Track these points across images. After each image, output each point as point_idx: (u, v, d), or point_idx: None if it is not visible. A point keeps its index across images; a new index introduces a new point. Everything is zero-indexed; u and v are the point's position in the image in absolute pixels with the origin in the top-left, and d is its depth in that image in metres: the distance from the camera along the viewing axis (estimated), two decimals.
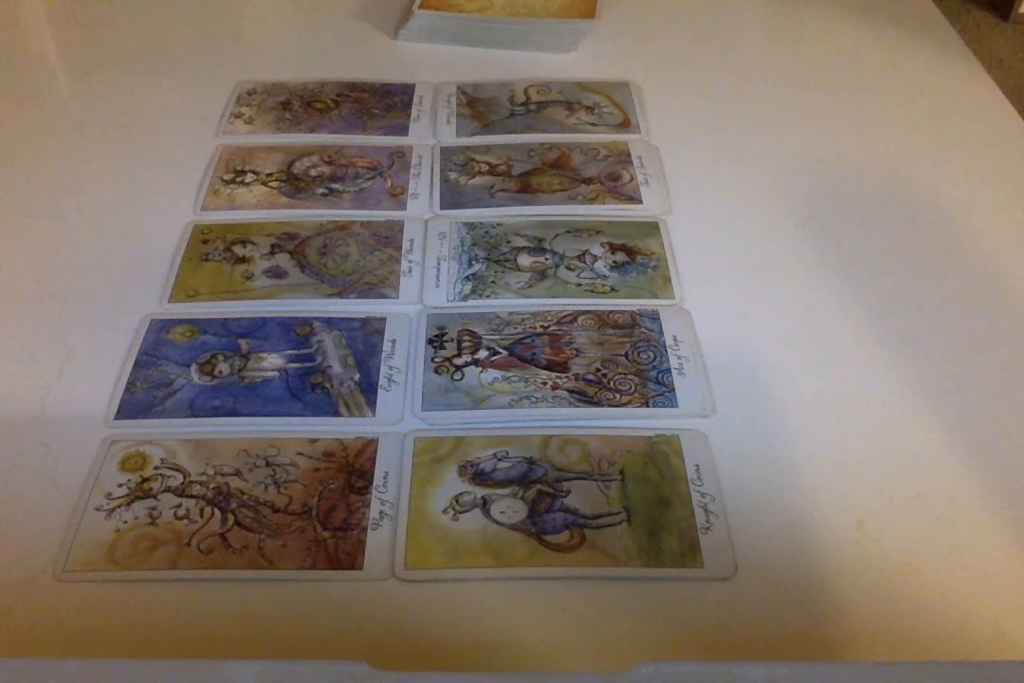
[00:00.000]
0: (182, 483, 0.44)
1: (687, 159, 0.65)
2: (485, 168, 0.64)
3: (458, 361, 0.50)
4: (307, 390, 0.49)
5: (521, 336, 0.52)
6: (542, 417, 0.48)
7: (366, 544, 0.42)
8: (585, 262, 0.56)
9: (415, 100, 0.71)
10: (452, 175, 0.63)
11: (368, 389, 0.49)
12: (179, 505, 0.43)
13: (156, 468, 0.45)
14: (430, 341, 0.51)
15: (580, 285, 0.55)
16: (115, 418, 0.47)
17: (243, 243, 0.58)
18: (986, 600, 0.40)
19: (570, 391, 0.49)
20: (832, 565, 0.42)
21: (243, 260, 0.57)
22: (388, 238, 0.58)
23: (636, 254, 0.57)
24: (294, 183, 0.63)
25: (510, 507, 0.43)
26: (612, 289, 0.55)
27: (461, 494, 0.44)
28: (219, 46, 0.78)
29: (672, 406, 0.48)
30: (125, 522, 0.43)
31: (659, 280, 0.55)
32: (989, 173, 0.64)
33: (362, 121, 0.69)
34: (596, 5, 0.79)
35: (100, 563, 0.41)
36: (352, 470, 0.45)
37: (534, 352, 0.51)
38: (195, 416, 0.47)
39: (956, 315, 0.54)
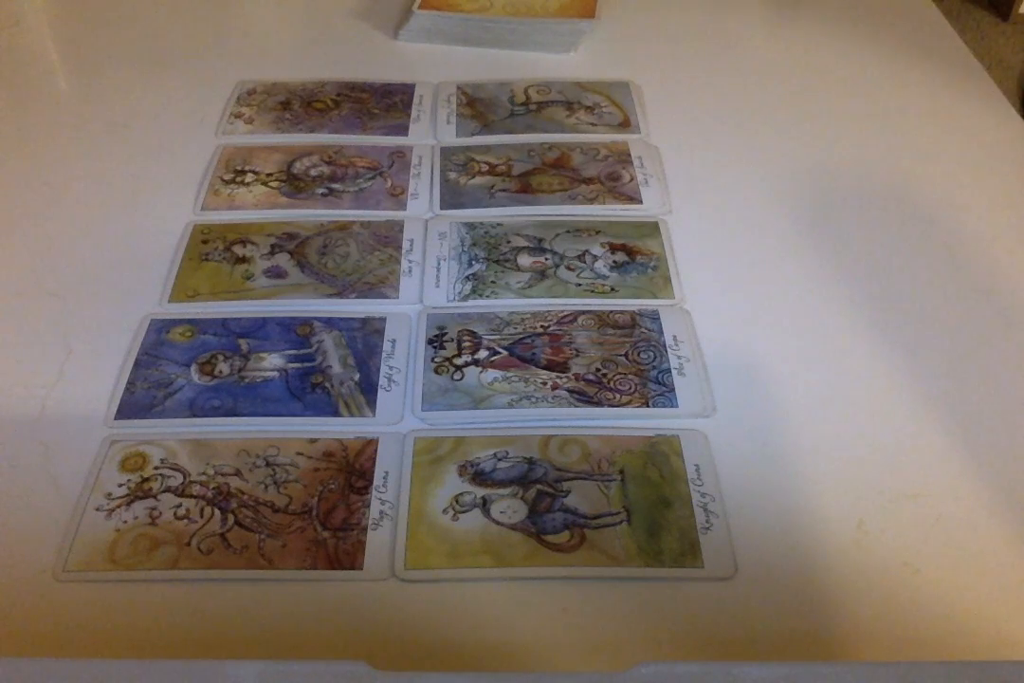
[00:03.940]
0: (182, 483, 0.44)
1: (687, 159, 0.65)
2: (485, 168, 0.64)
3: (458, 361, 0.50)
4: (307, 390, 0.49)
5: (521, 336, 0.52)
6: (542, 417, 0.48)
7: (366, 544, 0.42)
8: (585, 262, 0.56)
9: (415, 100, 0.71)
10: (452, 175, 0.63)
11: (368, 389, 0.49)
12: (179, 505, 0.43)
13: (156, 468, 0.45)
14: (430, 341, 0.51)
15: (580, 285, 0.55)
16: (115, 418, 0.47)
17: (243, 243, 0.58)
18: (986, 600, 0.40)
19: (570, 391, 0.49)
20: (832, 565, 0.42)
21: (243, 260, 0.57)
22: (388, 238, 0.58)
23: (636, 254, 0.57)
24: (294, 183, 0.63)
25: (510, 507, 0.43)
26: (612, 289, 0.55)
27: (461, 494, 0.44)
28: (219, 46, 0.78)
29: (672, 406, 0.48)
30: (125, 522, 0.43)
31: (659, 280, 0.55)
32: (988, 173, 0.64)
33: (362, 121, 0.69)
34: (596, 5, 0.79)
35: (100, 563, 0.41)
36: (352, 470, 0.45)
37: (534, 352, 0.51)
38: (195, 416, 0.47)
39: (956, 315, 0.54)
